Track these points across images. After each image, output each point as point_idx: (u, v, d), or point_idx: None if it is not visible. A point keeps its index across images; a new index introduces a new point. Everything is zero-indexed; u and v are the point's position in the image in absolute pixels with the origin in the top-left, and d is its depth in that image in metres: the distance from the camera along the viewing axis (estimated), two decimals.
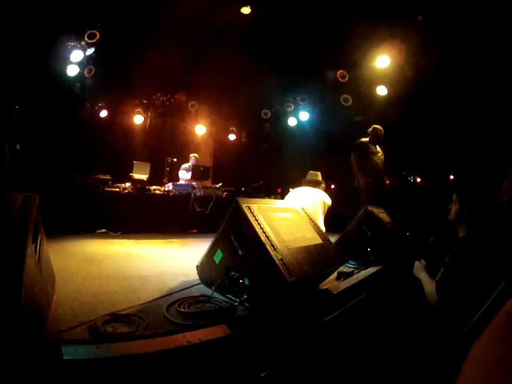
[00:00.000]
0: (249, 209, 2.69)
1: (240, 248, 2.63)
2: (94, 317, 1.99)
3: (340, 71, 8.40)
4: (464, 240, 2.54)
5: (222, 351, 1.94)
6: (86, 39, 6.71)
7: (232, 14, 6.90)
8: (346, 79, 8.47)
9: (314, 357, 2.47)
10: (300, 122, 10.49)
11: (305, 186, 5.71)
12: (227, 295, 2.60)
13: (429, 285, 2.66)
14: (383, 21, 6.44)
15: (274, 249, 2.44)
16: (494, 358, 0.46)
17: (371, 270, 4.19)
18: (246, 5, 6.63)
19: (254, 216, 2.64)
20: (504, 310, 0.54)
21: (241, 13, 6.76)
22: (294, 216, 3.32)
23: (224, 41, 7.59)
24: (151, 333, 1.87)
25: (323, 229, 4.87)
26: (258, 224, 2.59)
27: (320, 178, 5.92)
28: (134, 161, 8.03)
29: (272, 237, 2.55)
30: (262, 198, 9.35)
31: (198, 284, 2.97)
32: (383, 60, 7.69)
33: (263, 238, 2.47)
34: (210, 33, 7.38)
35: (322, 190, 5.79)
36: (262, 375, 2.04)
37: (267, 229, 2.60)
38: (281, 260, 2.38)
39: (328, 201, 5.59)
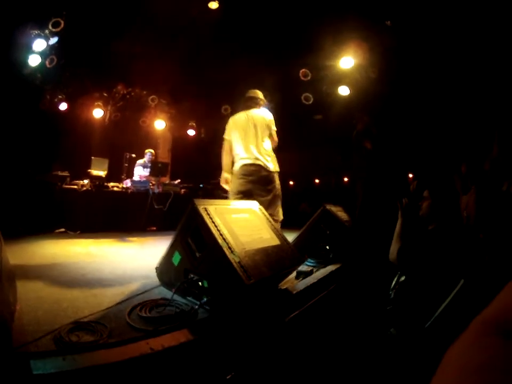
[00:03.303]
0: (206, 210, 2.72)
1: (197, 250, 2.66)
2: (58, 325, 1.99)
3: (303, 70, 8.51)
4: (432, 233, 2.69)
5: (186, 356, 1.99)
6: (50, 27, 6.50)
7: (199, 9, 6.89)
8: (309, 77, 8.58)
9: (278, 356, 2.56)
10: None
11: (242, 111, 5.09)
12: (187, 297, 2.62)
13: (395, 240, 2.82)
14: (350, 22, 6.58)
15: (232, 251, 2.48)
16: (472, 364, 0.48)
17: (330, 268, 4.28)
18: (214, 0, 6.63)
19: (210, 218, 2.67)
20: (481, 318, 0.56)
21: (208, 7, 6.75)
22: (251, 216, 3.38)
23: (187, 35, 7.55)
24: (115, 341, 1.88)
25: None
26: (215, 226, 2.62)
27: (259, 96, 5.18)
28: (92, 157, 7.91)
29: (230, 239, 2.59)
30: (220, 193, 9.41)
31: (159, 285, 2.99)
32: (347, 61, 7.84)
33: (220, 240, 2.51)
34: (173, 26, 7.33)
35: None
36: (228, 377, 2.10)
37: (224, 231, 2.63)
38: (239, 262, 2.43)
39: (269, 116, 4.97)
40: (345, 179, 12.03)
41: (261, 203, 4.52)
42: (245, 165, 4.75)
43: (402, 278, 2.76)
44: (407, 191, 3.22)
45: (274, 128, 4.95)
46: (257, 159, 4.71)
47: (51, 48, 7.03)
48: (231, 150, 4.97)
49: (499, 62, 5.92)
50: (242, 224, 3.06)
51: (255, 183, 4.72)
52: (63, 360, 1.60)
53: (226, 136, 5.03)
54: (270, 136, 4.92)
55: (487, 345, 0.50)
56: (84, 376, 1.57)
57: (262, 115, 4.94)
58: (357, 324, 3.14)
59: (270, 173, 4.76)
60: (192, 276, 2.63)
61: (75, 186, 6.68)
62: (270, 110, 5.20)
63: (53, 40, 6.87)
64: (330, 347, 2.89)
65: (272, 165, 4.80)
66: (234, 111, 9.85)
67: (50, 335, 1.87)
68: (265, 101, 5.23)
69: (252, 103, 5.06)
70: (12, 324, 1.91)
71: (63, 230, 6.08)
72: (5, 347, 1.57)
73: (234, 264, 2.39)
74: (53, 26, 6.50)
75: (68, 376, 1.54)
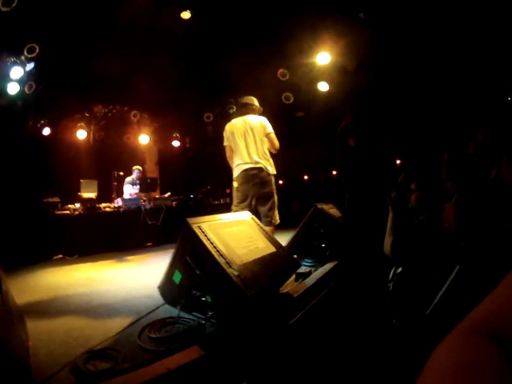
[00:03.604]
0: (200, 229, 2.78)
1: (197, 268, 2.71)
2: (73, 356, 2.04)
3: (280, 70, 8.59)
4: (423, 223, 2.78)
5: (200, 371, 2.06)
6: (25, 53, 6.49)
7: (172, 20, 6.92)
8: (287, 77, 8.67)
9: (287, 359, 2.63)
10: None
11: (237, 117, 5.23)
12: (193, 312, 2.69)
13: (388, 234, 2.91)
14: (323, 17, 6.62)
15: (230, 266, 2.55)
16: (463, 362, 0.49)
17: (328, 266, 4.37)
18: (185, 10, 6.66)
19: (205, 235, 2.73)
20: (469, 320, 0.57)
21: (181, 18, 6.79)
22: (244, 228, 3.43)
23: (163, 46, 7.57)
24: (130, 365, 1.95)
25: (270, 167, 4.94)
26: (211, 243, 2.68)
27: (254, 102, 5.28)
28: (81, 180, 7.92)
29: (226, 254, 2.66)
30: (211, 202, 9.47)
31: (163, 304, 3.04)
32: (323, 57, 7.90)
33: (217, 257, 2.57)
34: (149, 39, 7.36)
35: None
36: None
37: (220, 246, 2.70)
38: (238, 276, 2.50)
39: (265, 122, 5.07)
40: (334, 172, 12.12)
41: (262, 208, 4.62)
42: (245, 170, 4.86)
43: (399, 270, 2.85)
44: (394, 184, 3.30)
45: (271, 130, 5.03)
46: (257, 162, 4.84)
47: (28, 74, 7.01)
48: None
49: (477, 51, 6.01)
50: (237, 236, 3.13)
51: (256, 188, 4.84)
52: None
53: (225, 143, 5.12)
54: (268, 140, 5.02)
55: (476, 346, 0.52)
56: None
57: (258, 120, 5.05)
58: (359, 318, 3.20)
59: (269, 175, 4.89)
60: (194, 292, 2.69)
61: (67, 212, 6.68)
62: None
63: (30, 66, 6.85)
64: (335, 345, 2.96)
65: (271, 168, 4.94)
66: (216, 118, 9.90)
67: (67, 367, 1.92)
68: (259, 107, 5.29)
69: (247, 109, 5.18)
70: (29, 361, 1.95)
71: (60, 256, 6.10)
72: None
73: (233, 278, 2.46)
74: (28, 52, 6.48)
75: None
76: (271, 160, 5.02)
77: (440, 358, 0.52)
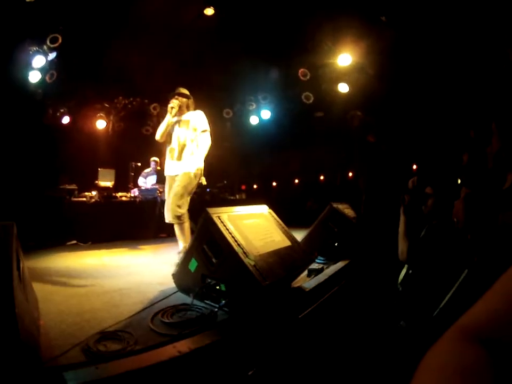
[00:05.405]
0: (219, 219, 2.81)
1: (213, 256, 2.74)
2: (84, 337, 2.05)
3: (301, 69, 8.55)
4: (435, 228, 2.74)
5: (211, 356, 2.07)
6: (48, 43, 6.56)
7: (195, 15, 6.94)
8: (308, 77, 8.63)
9: (295, 351, 2.63)
10: (261, 121, 10.52)
11: None
12: (206, 301, 2.72)
13: (402, 239, 2.87)
14: (347, 19, 6.59)
15: (247, 256, 2.58)
16: (454, 367, 0.50)
17: (340, 264, 4.38)
18: (209, 6, 6.66)
19: (224, 225, 2.76)
20: (459, 325, 0.59)
21: (204, 13, 6.79)
22: (261, 221, 3.47)
23: (185, 41, 7.60)
24: (142, 347, 1.96)
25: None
26: (230, 233, 2.71)
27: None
28: (99, 169, 7.97)
29: (244, 244, 2.69)
30: (227, 197, 9.47)
31: (176, 291, 3.07)
32: (345, 58, 7.85)
33: (235, 246, 2.60)
34: (171, 33, 7.39)
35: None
36: (249, 373, 2.18)
37: (238, 237, 2.73)
38: (254, 266, 2.53)
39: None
40: (350, 174, 12.03)
41: None
42: None
43: (410, 272, 2.81)
44: (407, 188, 3.24)
45: None
46: None
47: (50, 63, 7.08)
48: None
49: (495, 54, 5.92)
50: (254, 228, 3.16)
51: None
52: (96, 369, 1.66)
53: None
54: None
55: (467, 350, 0.53)
56: (119, 382, 1.63)
57: None
58: (368, 317, 3.18)
59: None
60: (209, 280, 2.73)
61: (84, 199, 6.72)
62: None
63: (52, 56, 6.91)
64: (343, 341, 2.95)
65: None
66: (235, 115, 9.91)
67: (78, 347, 1.93)
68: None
69: None
70: (39, 339, 1.95)
71: (74, 242, 6.12)
72: (35, 363, 1.61)
73: (250, 267, 2.48)
74: (51, 42, 6.53)
75: None
76: None
77: (432, 362, 0.53)
